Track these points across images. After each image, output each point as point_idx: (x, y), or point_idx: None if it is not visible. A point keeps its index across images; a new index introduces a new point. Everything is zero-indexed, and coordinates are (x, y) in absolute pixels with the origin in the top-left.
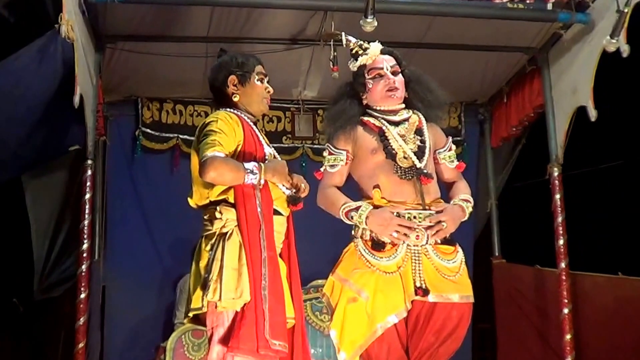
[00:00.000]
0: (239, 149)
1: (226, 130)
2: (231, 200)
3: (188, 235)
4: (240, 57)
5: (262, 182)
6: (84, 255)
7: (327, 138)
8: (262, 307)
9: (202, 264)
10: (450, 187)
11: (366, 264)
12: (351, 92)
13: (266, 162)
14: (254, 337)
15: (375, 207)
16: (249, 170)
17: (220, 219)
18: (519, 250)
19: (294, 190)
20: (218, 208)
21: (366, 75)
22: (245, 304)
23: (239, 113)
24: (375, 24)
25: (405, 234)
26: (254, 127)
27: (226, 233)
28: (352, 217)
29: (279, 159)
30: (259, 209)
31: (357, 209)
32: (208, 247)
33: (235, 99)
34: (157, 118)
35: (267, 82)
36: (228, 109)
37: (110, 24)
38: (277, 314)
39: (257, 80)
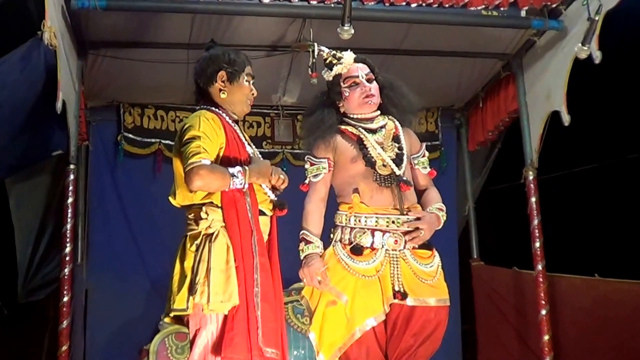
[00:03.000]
0: (221, 153)
1: (209, 134)
2: (216, 202)
3: (171, 238)
4: (232, 54)
5: (247, 185)
6: (67, 258)
7: (307, 148)
8: (254, 314)
9: (187, 264)
10: (422, 194)
11: (345, 267)
12: (328, 101)
13: (250, 164)
14: (247, 346)
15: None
16: (234, 176)
17: (206, 219)
18: (496, 253)
19: (278, 193)
20: (204, 208)
21: (342, 84)
22: (236, 311)
23: (220, 113)
24: (352, 31)
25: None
26: (236, 127)
27: (212, 234)
28: (300, 244)
29: (261, 158)
30: (249, 214)
31: (308, 243)
32: (193, 248)
33: (223, 96)
34: (139, 123)
35: (253, 84)
36: (210, 108)
37: (92, 30)
38: (269, 320)
39: (246, 80)
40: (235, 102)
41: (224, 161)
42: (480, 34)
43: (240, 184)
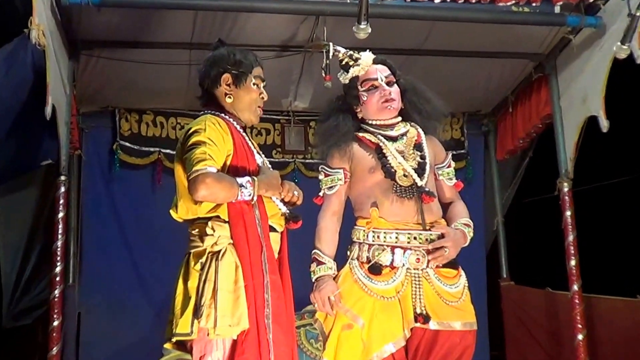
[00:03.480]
0: (228, 161)
1: (216, 140)
2: (223, 216)
3: (172, 256)
4: (239, 54)
5: (255, 197)
6: (57, 279)
7: (320, 158)
8: (266, 337)
9: (192, 284)
10: (447, 207)
11: (362, 287)
12: (343, 106)
13: (259, 174)
14: None
15: (376, 228)
16: (242, 186)
17: (212, 235)
18: (528, 272)
19: (290, 206)
20: (209, 224)
21: (359, 87)
22: (245, 335)
23: (228, 118)
24: (369, 30)
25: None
26: (244, 134)
27: (219, 251)
28: (311, 265)
29: (271, 168)
30: (259, 229)
31: (319, 263)
32: (198, 266)
33: (229, 100)
34: (136, 130)
35: (264, 87)
36: (216, 113)
37: (85, 29)
38: (281, 344)
39: (254, 84)
40: (243, 108)
41: (232, 170)
42: (510, 32)
43: (249, 195)
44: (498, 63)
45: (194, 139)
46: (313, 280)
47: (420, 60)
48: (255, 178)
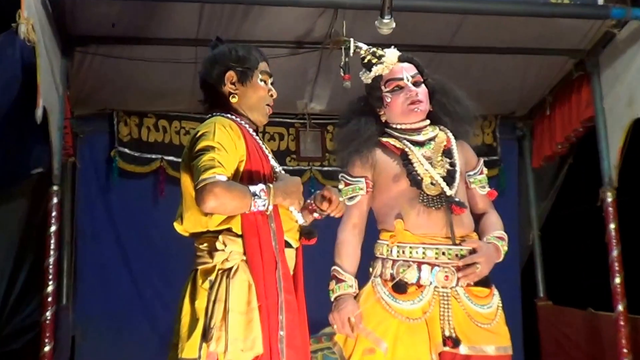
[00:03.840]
0: (241, 168)
1: (226, 145)
2: (236, 229)
3: (177, 275)
4: (242, 50)
5: (271, 208)
6: (49, 299)
7: (340, 165)
8: None
9: (199, 304)
10: (480, 219)
11: (386, 308)
12: (366, 109)
13: (275, 181)
14: None
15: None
16: (255, 195)
17: (223, 251)
18: (567, 290)
19: (323, 215)
20: (220, 238)
21: (383, 87)
22: (256, 358)
23: (238, 120)
24: (393, 25)
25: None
26: (257, 137)
27: (230, 269)
28: (330, 283)
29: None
30: (274, 243)
31: (339, 281)
32: (206, 285)
33: (234, 100)
34: (137, 136)
35: (272, 84)
36: (225, 114)
37: (80, 23)
38: None
39: (261, 80)
40: (251, 108)
41: (245, 178)
42: (548, 26)
43: (264, 205)
44: (534, 60)
45: (201, 144)
46: (332, 299)
47: (449, 58)
48: (270, 185)
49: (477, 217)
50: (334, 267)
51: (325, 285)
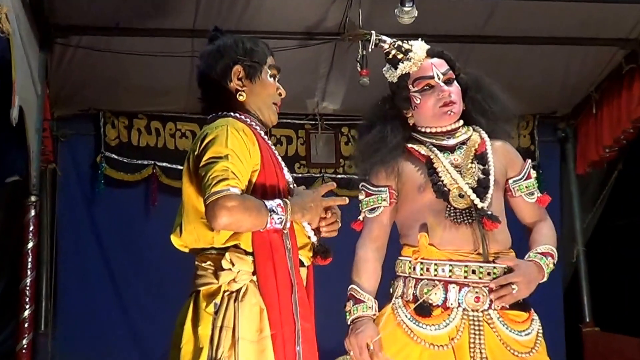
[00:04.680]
0: (254, 178)
1: (240, 152)
2: (245, 246)
3: (171, 297)
4: (248, 42)
5: (288, 225)
6: (26, 325)
7: (361, 174)
8: None
9: (204, 331)
10: (532, 229)
11: (407, 332)
12: (391, 111)
13: (293, 195)
14: None
15: (424, 258)
16: (272, 212)
17: (230, 270)
18: (617, 315)
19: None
20: (227, 255)
21: (411, 86)
22: None
23: (250, 122)
24: (415, 13)
25: None
26: (269, 142)
27: (238, 290)
28: (346, 304)
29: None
30: (289, 263)
31: (357, 302)
32: (211, 309)
33: (241, 98)
34: (126, 139)
35: (278, 80)
36: (236, 115)
37: (60, 12)
38: None
39: (270, 76)
40: (261, 107)
41: (258, 190)
42: (594, 12)
43: (280, 222)
44: (578, 52)
45: (213, 150)
46: (348, 322)
47: (479, 50)
48: (287, 201)
49: (528, 229)
50: (351, 286)
51: (337, 309)
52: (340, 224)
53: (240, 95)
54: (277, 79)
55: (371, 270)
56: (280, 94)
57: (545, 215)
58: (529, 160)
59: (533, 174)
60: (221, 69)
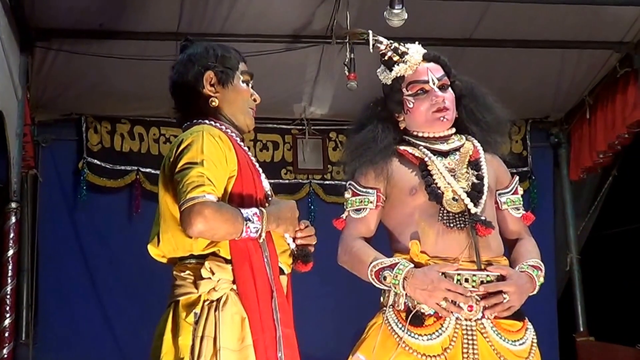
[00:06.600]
0: (230, 186)
1: (216, 158)
2: (224, 254)
3: (154, 306)
4: (219, 49)
5: (264, 235)
6: (6, 334)
7: (350, 173)
8: None
9: (184, 341)
10: (513, 245)
11: (399, 343)
12: (383, 113)
13: (268, 204)
14: None
15: (417, 265)
16: (248, 220)
17: (210, 279)
18: (611, 324)
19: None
20: (207, 264)
21: (404, 90)
22: None
23: (225, 129)
24: (405, 16)
25: (458, 305)
26: (246, 149)
27: (219, 300)
28: (384, 278)
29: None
30: (268, 271)
31: (392, 266)
32: (191, 318)
33: (214, 104)
34: (109, 144)
35: (252, 87)
36: (211, 122)
37: (41, 15)
38: None
39: (243, 81)
40: (235, 113)
41: (235, 198)
42: (587, 14)
43: (256, 231)
44: (572, 55)
45: (188, 157)
46: (399, 282)
47: (470, 53)
48: (263, 210)
49: (510, 244)
50: (372, 264)
51: (321, 320)
52: (316, 240)
53: (212, 101)
54: (250, 85)
55: (369, 249)
56: (254, 100)
57: (529, 233)
58: (517, 177)
59: (520, 190)
60: (193, 76)
